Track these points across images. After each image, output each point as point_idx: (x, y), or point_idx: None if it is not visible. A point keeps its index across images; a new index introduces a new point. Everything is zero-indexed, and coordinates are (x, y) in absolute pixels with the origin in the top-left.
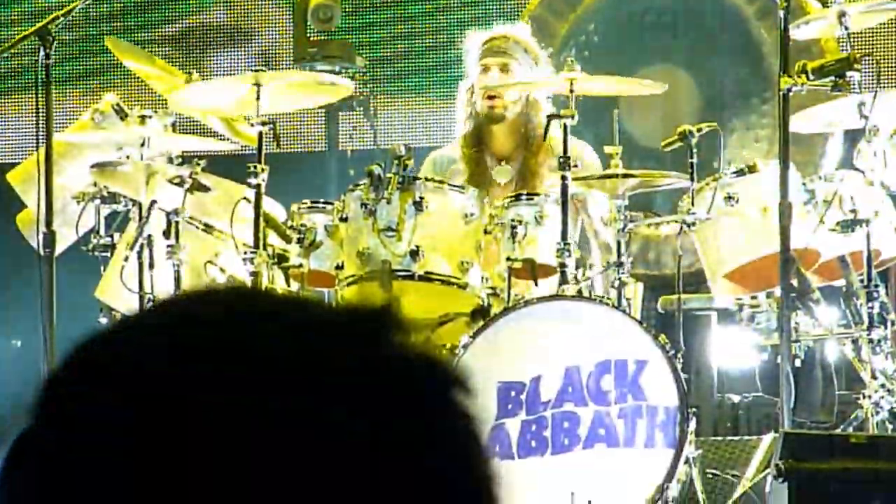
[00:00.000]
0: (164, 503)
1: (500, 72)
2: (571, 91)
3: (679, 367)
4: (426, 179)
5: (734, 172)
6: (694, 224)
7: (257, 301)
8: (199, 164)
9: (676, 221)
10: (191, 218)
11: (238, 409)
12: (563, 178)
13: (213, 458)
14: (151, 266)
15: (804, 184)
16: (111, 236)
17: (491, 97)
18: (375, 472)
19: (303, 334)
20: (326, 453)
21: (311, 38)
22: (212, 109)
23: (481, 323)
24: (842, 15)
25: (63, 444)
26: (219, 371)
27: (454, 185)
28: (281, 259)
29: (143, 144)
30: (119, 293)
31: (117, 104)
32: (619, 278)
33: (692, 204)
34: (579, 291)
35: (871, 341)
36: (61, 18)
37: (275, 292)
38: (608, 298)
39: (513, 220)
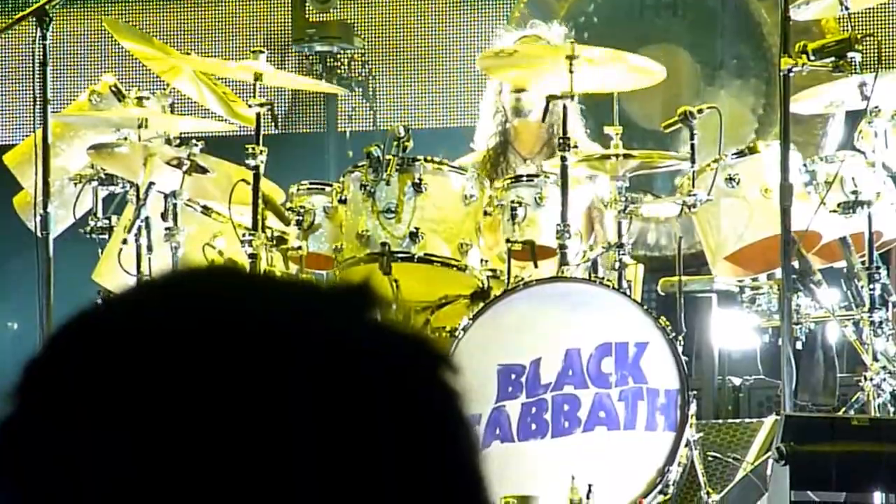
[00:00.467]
0: (150, 486)
1: (516, 91)
2: (571, 71)
3: (680, 349)
4: (425, 160)
5: (734, 154)
6: (694, 206)
7: (235, 280)
8: (197, 146)
9: (677, 203)
10: (189, 200)
11: (217, 389)
12: (563, 158)
13: (198, 437)
14: (149, 248)
15: (805, 165)
16: (109, 218)
17: (518, 90)
18: (359, 449)
19: (284, 310)
20: (303, 430)
21: (310, 19)
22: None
23: (481, 305)
24: None
25: (40, 432)
26: (199, 349)
27: (453, 167)
28: (280, 241)
29: (140, 126)
30: (117, 276)
31: (115, 85)
32: (620, 260)
33: (692, 185)
34: (580, 274)
35: (872, 323)
36: None
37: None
38: (608, 280)
39: (513, 202)
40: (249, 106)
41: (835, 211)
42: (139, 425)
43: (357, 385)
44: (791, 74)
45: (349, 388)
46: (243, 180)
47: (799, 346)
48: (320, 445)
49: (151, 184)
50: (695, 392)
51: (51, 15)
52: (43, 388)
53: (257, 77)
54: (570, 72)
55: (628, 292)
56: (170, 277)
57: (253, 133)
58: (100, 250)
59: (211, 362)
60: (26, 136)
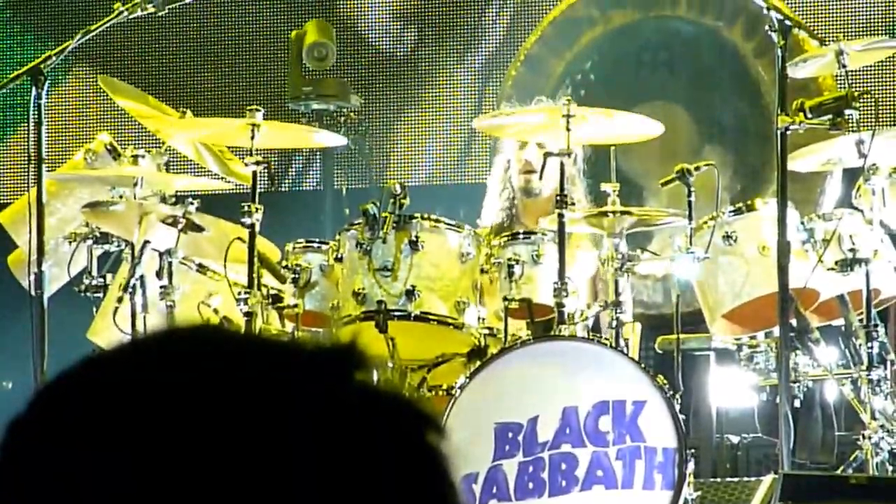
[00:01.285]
0: None
1: (539, 147)
2: (568, 129)
3: (677, 407)
4: (422, 218)
5: (732, 211)
6: (692, 263)
7: (220, 340)
8: (192, 204)
9: (674, 260)
10: (184, 258)
11: (203, 448)
12: (561, 216)
13: (202, 479)
14: (144, 307)
15: (803, 223)
16: (103, 277)
17: (528, 171)
18: (346, 496)
19: (268, 371)
20: (289, 492)
21: (307, 77)
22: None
23: (478, 363)
24: (839, 53)
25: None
26: (184, 411)
27: (450, 224)
28: (276, 299)
29: (135, 184)
30: (112, 334)
31: (110, 143)
32: (617, 318)
33: (690, 243)
34: (577, 332)
35: (870, 381)
36: (53, 58)
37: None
38: (606, 338)
39: (510, 260)
40: (245, 164)
41: (833, 269)
42: (145, 467)
43: (350, 443)
44: (788, 132)
45: (345, 443)
46: (239, 238)
47: (797, 404)
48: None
49: (146, 242)
50: (693, 450)
51: (46, 74)
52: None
53: (253, 133)
54: (567, 130)
55: (626, 350)
56: (162, 334)
57: (249, 191)
58: (94, 309)
59: (211, 409)
60: (21, 194)
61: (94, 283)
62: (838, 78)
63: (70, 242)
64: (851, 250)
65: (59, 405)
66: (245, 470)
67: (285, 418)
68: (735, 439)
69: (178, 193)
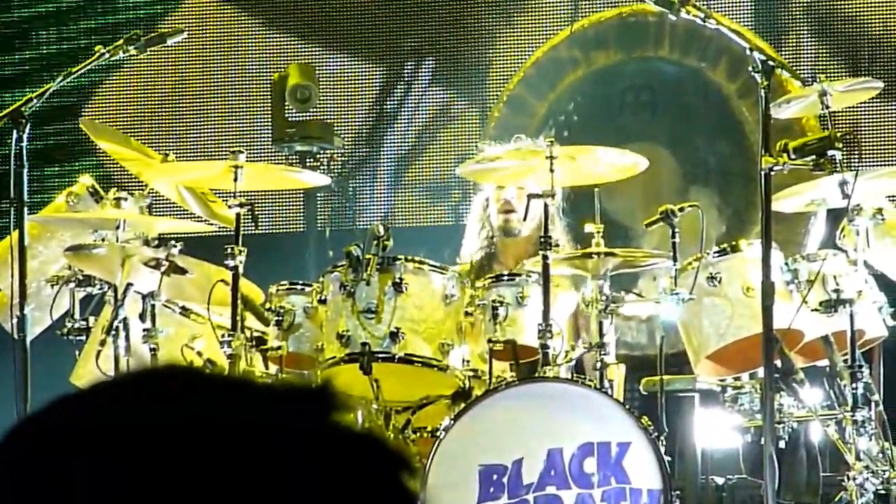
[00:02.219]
0: None
1: (518, 188)
2: (551, 171)
3: (662, 449)
4: (406, 259)
5: (717, 252)
6: (676, 304)
7: (197, 381)
8: (175, 247)
9: (659, 302)
10: (167, 301)
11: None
12: (545, 257)
13: None
14: (127, 350)
15: (787, 264)
16: (86, 320)
17: (507, 211)
18: None
19: (247, 414)
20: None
21: (290, 119)
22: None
23: (462, 405)
24: (823, 94)
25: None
26: (164, 453)
27: (434, 266)
28: (259, 342)
29: (118, 227)
30: (95, 378)
31: (92, 186)
32: (602, 359)
33: (675, 284)
34: (562, 374)
35: (855, 422)
36: (35, 101)
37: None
38: (590, 380)
39: (494, 301)
40: (228, 206)
41: (817, 310)
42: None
43: (327, 480)
44: (772, 173)
45: (321, 480)
46: (222, 281)
47: (782, 445)
48: None
49: (129, 285)
50: (678, 492)
51: (27, 116)
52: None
53: (236, 175)
54: (551, 171)
55: (610, 392)
56: (133, 382)
57: (232, 233)
58: (77, 352)
59: (193, 453)
60: (2, 237)
61: (76, 326)
62: (822, 118)
63: (52, 285)
64: (836, 291)
65: (46, 445)
66: None
67: (264, 460)
68: (720, 480)
69: (161, 236)
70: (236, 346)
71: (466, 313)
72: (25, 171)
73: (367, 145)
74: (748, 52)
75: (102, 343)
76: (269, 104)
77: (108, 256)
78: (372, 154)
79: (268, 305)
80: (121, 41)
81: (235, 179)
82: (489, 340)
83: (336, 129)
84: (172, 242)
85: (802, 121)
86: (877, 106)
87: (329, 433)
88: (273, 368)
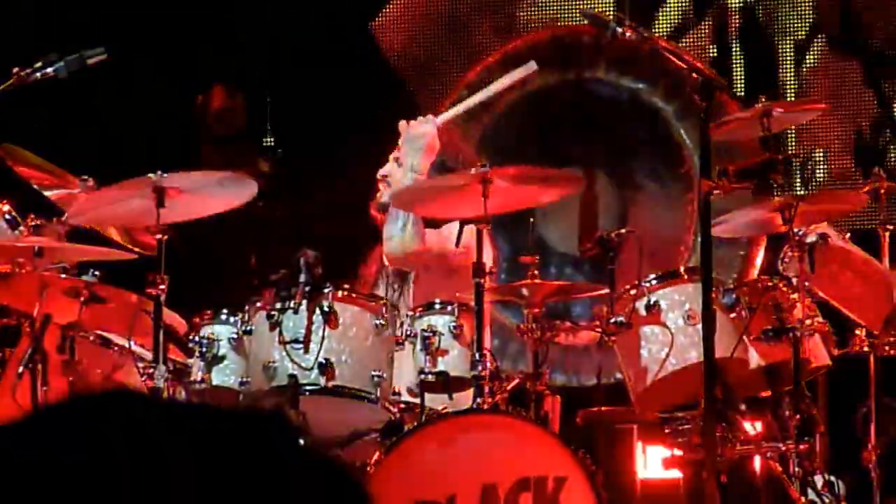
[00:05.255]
0: None
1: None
2: (485, 196)
3: (601, 483)
4: (335, 288)
5: (655, 279)
6: (613, 334)
7: (152, 409)
8: (95, 275)
9: (595, 331)
10: (87, 331)
11: None
12: (479, 285)
13: None
14: (45, 382)
15: (728, 290)
16: (2, 351)
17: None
18: None
19: (203, 444)
20: None
21: (214, 142)
22: (111, 219)
23: (393, 439)
24: (764, 115)
25: None
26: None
27: (364, 295)
28: (182, 374)
29: (36, 255)
30: (11, 411)
31: (9, 212)
32: (537, 391)
33: (612, 312)
34: (496, 405)
35: (799, 454)
36: None
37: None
38: (525, 412)
39: (425, 331)
40: (150, 232)
41: (760, 338)
42: None
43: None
44: (712, 197)
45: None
46: (144, 310)
47: (724, 478)
48: None
49: (48, 315)
50: None
51: None
52: None
53: (160, 200)
54: (485, 197)
55: (546, 424)
56: (77, 408)
57: (154, 260)
58: None
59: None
60: None
61: None
62: (763, 142)
63: None
64: (778, 319)
65: None
66: None
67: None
68: None
69: (81, 263)
70: (158, 378)
71: (398, 343)
72: None
73: (297, 169)
74: (687, 72)
75: (20, 376)
76: (193, 127)
77: (26, 285)
78: (301, 178)
79: (191, 336)
80: (38, 62)
81: (158, 206)
82: (421, 371)
83: (262, 151)
84: (92, 271)
85: (744, 143)
86: (819, 128)
87: (284, 453)
88: (196, 401)
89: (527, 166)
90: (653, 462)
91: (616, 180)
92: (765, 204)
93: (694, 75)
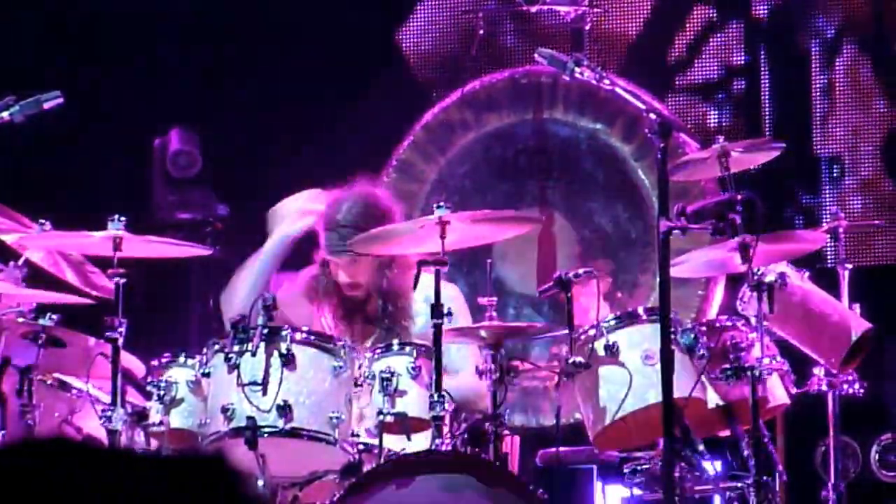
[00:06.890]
0: None
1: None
2: (442, 237)
3: None
4: (293, 330)
5: (614, 320)
6: (572, 374)
7: (86, 457)
8: (52, 319)
9: (554, 371)
10: (45, 375)
11: None
12: (437, 326)
13: None
14: (3, 426)
15: (687, 330)
16: None
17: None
18: None
19: (143, 491)
20: None
21: (171, 185)
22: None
23: (352, 480)
24: (722, 155)
25: None
26: None
27: (322, 337)
28: (141, 416)
29: None
30: None
31: None
32: (496, 431)
33: (571, 353)
34: (454, 447)
35: (758, 493)
36: None
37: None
38: (484, 453)
39: (383, 372)
40: (108, 276)
41: (718, 378)
42: None
43: None
44: (670, 237)
45: None
46: (102, 354)
47: None
48: None
49: (6, 358)
50: None
51: None
52: None
53: (116, 245)
54: (442, 238)
55: (505, 465)
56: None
57: (112, 304)
58: None
59: None
60: None
61: None
62: (721, 182)
63: None
64: (736, 358)
65: None
66: None
67: None
68: None
69: (38, 307)
70: (117, 421)
71: (356, 384)
72: None
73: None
74: (644, 113)
75: None
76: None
77: None
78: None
79: (149, 379)
80: None
81: (115, 249)
82: (379, 412)
83: (219, 194)
84: (50, 314)
85: (701, 184)
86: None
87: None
88: (155, 444)
89: (484, 210)
90: (612, 502)
91: (574, 221)
92: (723, 243)
93: (651, 115)
